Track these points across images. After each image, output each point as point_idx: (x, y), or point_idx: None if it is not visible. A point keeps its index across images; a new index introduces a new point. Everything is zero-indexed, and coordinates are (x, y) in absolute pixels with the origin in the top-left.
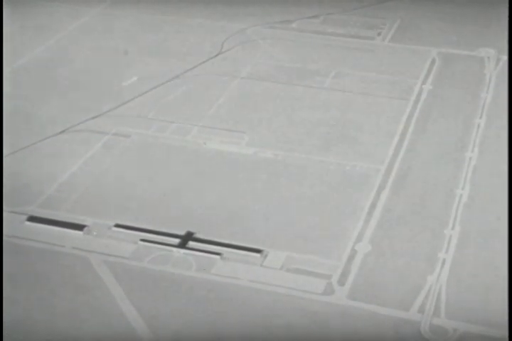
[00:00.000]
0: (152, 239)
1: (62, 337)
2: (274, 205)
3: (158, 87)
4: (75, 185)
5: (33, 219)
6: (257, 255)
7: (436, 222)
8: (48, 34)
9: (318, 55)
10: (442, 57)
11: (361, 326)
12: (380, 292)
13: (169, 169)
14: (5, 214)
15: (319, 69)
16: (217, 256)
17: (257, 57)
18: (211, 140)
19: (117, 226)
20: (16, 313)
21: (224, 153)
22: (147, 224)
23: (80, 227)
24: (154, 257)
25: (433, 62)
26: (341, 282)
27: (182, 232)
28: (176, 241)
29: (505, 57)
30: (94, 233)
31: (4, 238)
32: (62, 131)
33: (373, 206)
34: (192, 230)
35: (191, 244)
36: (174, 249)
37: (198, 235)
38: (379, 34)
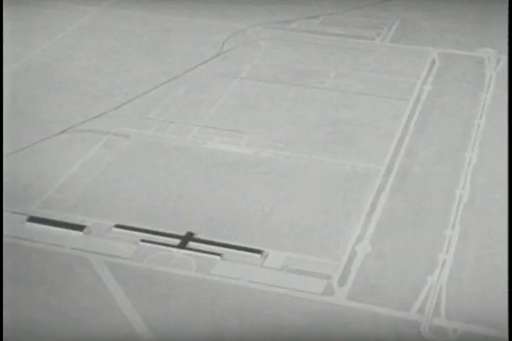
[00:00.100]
0: (152, 240)
1: (62, 337)
2: (274, 205)
3: (159, 87)
4: (75, 185)
5: (33, 219)
6: (258, 255)
7: (436, 222)
8: (48, 34)
9: (319, 55)
10: (442, 57)
11: (361, 326)
12: (380, 292)
13: (169, 169)
14: (5, 215)
15: (319, 70)
16: (218, 257)
17: (258, 57)
18: (211, 140)
19: (117, 226)
20: (16, 313)
21: (224, 153)
22: (147, 225)
23: (80, 228)
24: (154, 257)
25: (433, 62)
26: (341, 282)
27: (182, 233)
28: (176, 241)
29: (505, 57)
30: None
31: (4, 238)
32: (63, 131)
33: (373, 206)
34: (192, 231)
35: (191, 244)
36: (174, 250)
37: (198, 236)
38: (379, 34)
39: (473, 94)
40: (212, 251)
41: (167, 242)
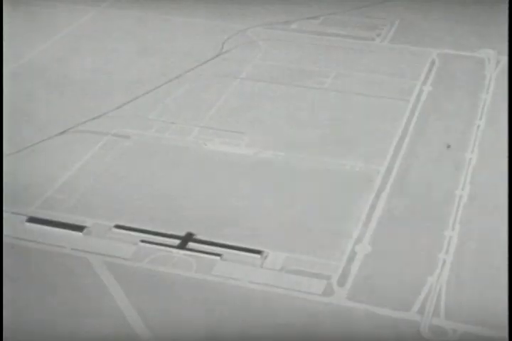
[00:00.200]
0: (152, 240)
1: (62, 337)
2: (275, 206)
3: (159, 87)
4: (75, 185)
5: (33, 220)
6: (257, 256)
7: (436, 223)
8: (48, 34)
9: (318, 56)
10: (442, 58)
11: (361, 326)
12: (379, 293)
13: (169, 170)
14: (5, 215)
15: (319, 70)
16: (218, 257)
17: (258, 57)
18: (212, 141)
19: (117, 227)
20: (16, 313)
21: (224, 153)
22: (147, 225)
23: (80, 228)
24: (154, 258)
25: (433, 63)
26: (341, 283)
27: (182, 233)
28: (176, 242)
29: (504, 58)
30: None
31: (4, 238)
32: (63, 132)
33: (373, 207)
34: (192, 231)
35: (191, 245)
36: (174, 250)
37: (197, 236)
38: (379, 35)
39: (473, 94)
40: (212, 251)
41: (167, 243)
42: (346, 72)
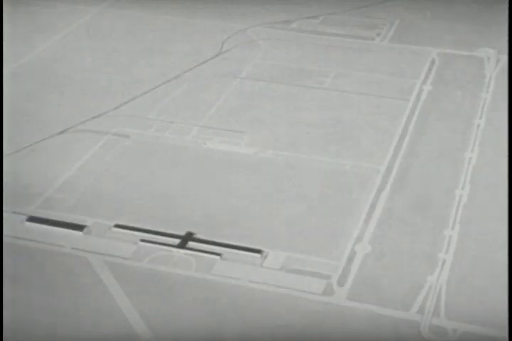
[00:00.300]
0: (152, 240)
1: (62, 337)
2: (274, 205)
3: (158, 87)
4: (75, 185)
5: (33, 219)
6: (257, 255)
7: (436, 222)
8: (47, 33)
9: (318, 56)
10: (442, 57)
11: (361, 326)
12: (379, 292)
13: (169, 169)
14: (5, 215)
15: (319, 70)
16: (217, 257)
17: (257, 57)
18: (211, 140)
19: (117, 226)
20: (15, 313)
21: (224, 153)
22: (147, 225)
23: (80, 228)
24: (154, 257)
25: (433, 62)
26: (341, 282)
27: (182, 233)
28: (176, 241)
29: (505, 57)
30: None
31: (4, 238)
32: (63, 131)
33: (373, 206)
34: (192, 230)
35: (191, 244)
36: (174, 250)
37: (197, 235)
38: (378, 34)
39: (473, 94)
40: (212, 250)
41: (167, 242)
42: (346, 72)
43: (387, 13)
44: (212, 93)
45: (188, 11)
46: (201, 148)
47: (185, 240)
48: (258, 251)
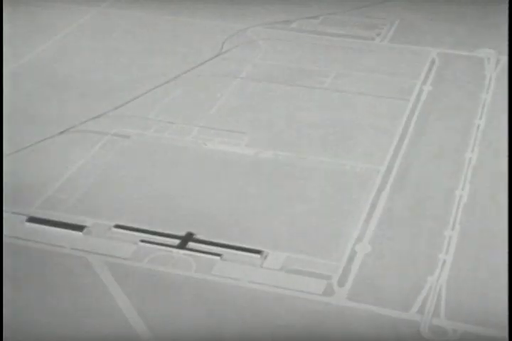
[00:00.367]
0: (152, 240)
1: (62, 337)
2: (274, 206)
3: (158, 87)
4: (75, 185)
5: (33, 219)
6: (257, 256)
7: (436, 223)
8: (48, 34)
9: (318, 56)
10: (442, 57)
11: (361, 326)
12: (379, 292)
13: (169, 170)
14: (5, 215)
15: (319, 70)
16: (217, 257)
17: (257, 57)
18: (211, 141)
19: (117, 226)
20: (15, 314)
21: (224, 153)
22: (147, 225)
23: (79, 228)
24: (154, 258)
25: (433, 62)
26: (341, 283)
27: (182, 233)
28: (176, 241)
29: (505, 58)
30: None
31: (4, 238)
32: (62, 132)
33: (373, 206)
34: (192, 231)
35: (191, 244)
36: (174, 250)
37: (197, 236)
38: (378, 34)
39: (473, 94)
40: (212, 251)
41: (167, 242)
42: (346, 72)
43: (387, 13)
44: (212, 93)
45: (188, 11)
46: (201, 148)
47: (185, 240)
48: (258, 252)
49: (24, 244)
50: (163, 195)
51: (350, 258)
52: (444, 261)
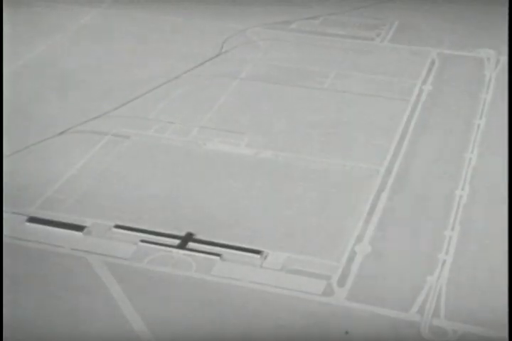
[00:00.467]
0: (152, 240)
1: (62, 337)
2: (274, 206)
3: (158, 87)
4: (75, 186)
5: (33, 220)
6: (257, 256)
7: (436, 223)
8: (48, 34)
9: (318, 56)
10: (442, 57)
11: (361, 327)
12: (379, 293)
13: (169, 170)
14: (5, 215)
15: (319, 70)
16: (217, 257)
17: (257, 57)
18: (211, 141)
19: (117, 227)
20: (15, 314)
21: (224, 153)
22: (147, 225)
23: (79, 228)
24: (154, 258)
25: (432, 62)
26: (341, 283)
27: (182, 233)
28: (176, 242)
29: (504, 58)
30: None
31: (4, 239)
32: (62, 132)
33: (373, 207)
34: (192, 231)
35: (191, 245)
36: (174, 250)
37: (197, 236)
38: (378, 35)
39: (472, 94)
40: (212, 251)
41: (167, 243)
42: (346, 72)
43: (387, 13)
44: (212, 93)
45: (187, 11)
46: (201, 148)
47: (185, 241)
48: (258, 252)
49: (24, 244)
50: (163, 195)
51: (350, 259)
52: (444, 261)
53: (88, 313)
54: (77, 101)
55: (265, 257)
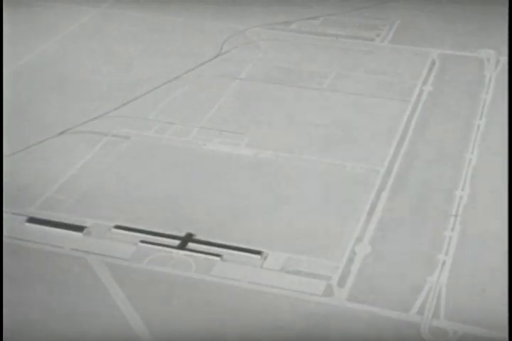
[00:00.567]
0: (152, 241)
1: (62, 337)
2: (274, 206)
3: (158, 87)
4: (74, 186)
5: (32, 220)
6: (257, 256)
7: (436, 223)
8: (48, 34)
9: (318, 56)
10: (442, 58)
11: (361, 327)
12: (379, 293)
13: (169, 170)
14: (5, 216)
15: (319, 71)
16: (217, 258)
17: (257, 58)
18: (211, 141)
19: (117, 227)
20: (15, 314)
21: (224, 154)
22: (147, 226)
23: (79, 228)
24: (154, 258)
25: (433, 63)
26: (341, 283)
27: (182, 234)
28: (176, 242)
29: (505, 59)
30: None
31: (4, 239)
32: (63, 132)
33: (373, 207)
34: (192, 231)
35: (191, 245)
36: (174, 251)
37: (197, 237)
38: (378, 35)
39: (473, 95)
40: (212, 252)
41: (166, 243)
42: (346, 73)
43: (387, 14)
44: (212, 94)
45: (187, 11)
46: (201, 149)
47: (185, 241)
48: (258, 252)
49: (24, 245)
50: (163, 196)
51: (350, 259)
52: (444, 262)
53: (88, 313)
54: (76, 101)
55: (265, 257)
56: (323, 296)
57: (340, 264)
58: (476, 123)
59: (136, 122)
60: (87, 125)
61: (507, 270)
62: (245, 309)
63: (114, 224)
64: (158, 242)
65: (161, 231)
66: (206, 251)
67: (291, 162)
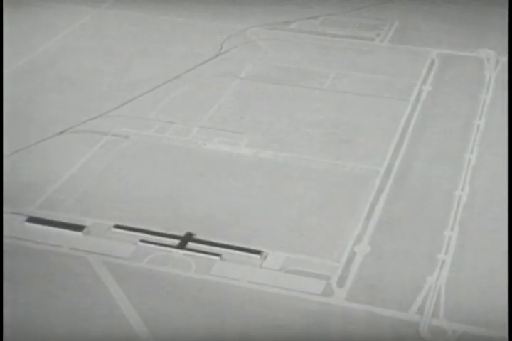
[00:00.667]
0: (152, 240)
1: (62, 337)
2: (274, 206)
3: (158, 87)
4: (74, 185)
5: (32, 220)
6: (257, 256)
7: (435, 223)
8: (47, 34)
9: (318, 56)
10: (442, 58)
11: (360, 327)
12: (379, 293)
13: (169, 170)
14: (5, 215)
15: (319, 70)
16: (217, 257)
17: (257, 57)
18: (211, 141)
19: (117, 227)
20: (15, 314)
21: (223, 153)
22: (147, 225)
23: (79, 228)
24: (154, 258)
25: (432, 63)
26: (340, 283)
27: (181, 233)
28: (176, 242)
29: (504, 58)
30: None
31: (4, 239)
32: (62, 132)
33: (372, 207)
34: (191, 231)
35: (191, 245)
36: (174, 250)
37: (197, 236)
38: (378, 35)
39: (472, 94)
40: (212, 251)
41: (166, 243)
42: (346, 72)
43: (387, 14)
44: (212, 93)
45: (187, 11)
46: (201, 148)
47: (184, 241)
48: (258, 252)
49: (24, 244)
50: (163, 195)
51: (350, 259)
52: (444, 262)
53: (87, 313)
54: (77, 101)
55: (265, 257)
56: (323, 296)
57: (339, 264)
58: (476, 123)
59: (136, 121)
60: (87, 124)
61: (507, 270)
62: (245, 308)
63: (113, 223)
64: (158, 242)
65: (160, 230)
66: (206, 250)
67: (291, 162)
